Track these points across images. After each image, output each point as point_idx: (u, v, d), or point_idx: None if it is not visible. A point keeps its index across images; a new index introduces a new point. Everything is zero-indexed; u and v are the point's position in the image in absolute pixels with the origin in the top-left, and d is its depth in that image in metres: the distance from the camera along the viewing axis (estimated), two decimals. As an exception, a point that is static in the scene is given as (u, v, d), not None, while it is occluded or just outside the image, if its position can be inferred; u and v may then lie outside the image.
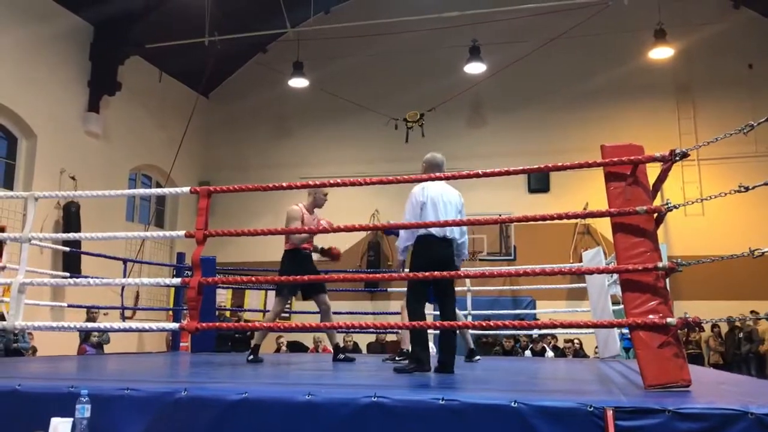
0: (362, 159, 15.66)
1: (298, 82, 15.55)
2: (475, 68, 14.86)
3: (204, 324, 4.34)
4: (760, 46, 14.63)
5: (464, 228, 4.94)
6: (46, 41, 12.38)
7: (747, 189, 3.33)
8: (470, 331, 7.09)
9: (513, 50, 14.47)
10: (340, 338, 12.75)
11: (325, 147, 16.38)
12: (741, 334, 13.01)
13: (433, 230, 4.68)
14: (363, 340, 13.07)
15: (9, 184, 12.01)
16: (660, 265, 3.33)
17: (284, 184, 4.39)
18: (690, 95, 14.95)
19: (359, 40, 14.84)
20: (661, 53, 14.08)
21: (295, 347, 13.61)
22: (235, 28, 13.88)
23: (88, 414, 2.92)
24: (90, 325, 7.31)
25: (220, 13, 13.53)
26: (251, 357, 6.01)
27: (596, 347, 9.76)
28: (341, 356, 6.52)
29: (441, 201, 4.88)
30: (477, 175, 3.99)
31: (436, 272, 4.31)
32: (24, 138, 12.26)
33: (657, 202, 3.61)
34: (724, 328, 13.35)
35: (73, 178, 12.52)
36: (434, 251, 4.75)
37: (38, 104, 12.18)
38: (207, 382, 3.70)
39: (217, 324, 4.90)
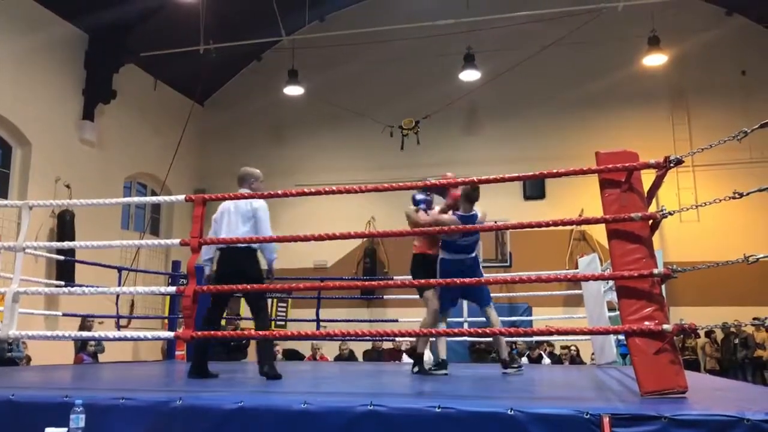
0: (358, 166, 15.67)
1: (293, 90, 15.55)
2: (469, 75, 14.89)
3: (199, 333, 4.32)
4: (752, 52, 14.71)
5: (266, 234, 5.04)
6: (41, 50, 12.36)
7: (741, 195, 3.35)
8: (467, 338, 7.04)
9: (507, 57, 14.51)
10: (335, 346, 12.77)
11: (321, 154, 16.38)
12: (737, 340, 13.02)
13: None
14: (359, 347, 13.03)
15: (3, 193, 11.96)
16: (655, 271, 3.33)
17: (279, 192, 4.39)
18: (684, 101, 15.01)
19: (354, 48, 14.87)
20: (655, 60, 14.14)
21: (292, 355, 13.57)
22: (230, 36, 13.89)
23: (82, 424, 2.91)
24: (84, 334, 7.26)
25: (215, 21, 13.54)
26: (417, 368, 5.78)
27: (593, 354, 9.76)
28: (432, 368, 5.81)
29: (229, 212, 5.12)
30: (472, 182, 3.99)
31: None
32: (19, 146, 12.22)
33: (652, 209, 3.62)
34: (721, 334, 13.37)
35: (67, 186, 12.49)
36: (228, 262, 5.07)
37: (33, 112, 12.15)
38: (202, 390, 3.68)
39: (213, 332, 4.88)
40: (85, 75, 13.46)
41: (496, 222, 10.21)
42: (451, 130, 15.67)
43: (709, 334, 13.27)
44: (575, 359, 12.16)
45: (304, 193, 4.30)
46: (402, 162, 14.81)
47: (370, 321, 12.21)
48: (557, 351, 12.45)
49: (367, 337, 10.87)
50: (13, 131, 12.02)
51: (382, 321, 11.66)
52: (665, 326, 3.23)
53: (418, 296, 6.08)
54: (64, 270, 11.31)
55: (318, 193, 4.25)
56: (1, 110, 11.61)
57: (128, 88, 14.30)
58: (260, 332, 4.97)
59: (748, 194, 3.35)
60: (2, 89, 11.53)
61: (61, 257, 9.47)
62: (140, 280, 13.69)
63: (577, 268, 10.16)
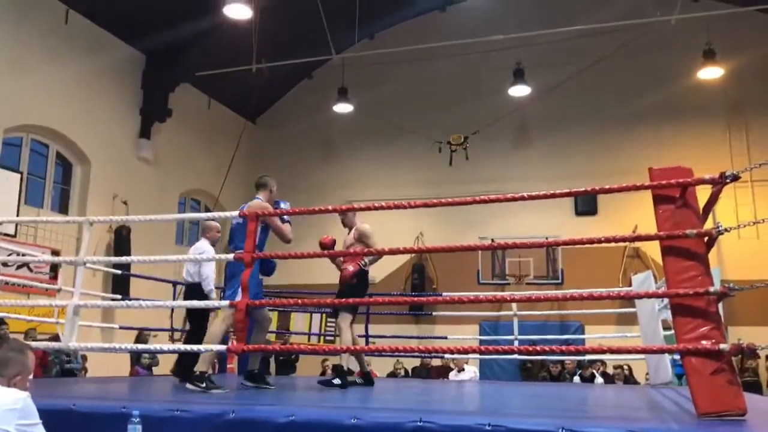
0: (406, 182, 15.70)
1: (343, 107, 15.74)
2: (519, 91, 14.82)
3: (251, 346, 4.39)
4: (814, 65, 14.26)
5: None
6: (101, 71, 12.80)
7: (802, 211, 3.25)
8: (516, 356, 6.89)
9: (558, 72, 14.39)
10: (384, 362, 12.75)
11: (370, 170, 16.49)
12: (800, 362, 12.51)
13: None
14: (408, 364, 12.99)
15: (64, 209, 12.39)
16: (711, 289, 3.25)
17: (330, 207, 4.45)
18: (742, 116, 14.61)
19: (403, 65, 14.97)
20: (711, 73, 13.82)
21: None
22: (281, 55, 14.14)
23: (139, 434, 2.99)
24: (140, 346, 7.42)
25: (267, 41, 13.79)
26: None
27: (647, 374, 9.52)
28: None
29: None
30: (522, 198, 3.97)
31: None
32: (78, 164, 12.65)
33: (708, 225, 3.54)
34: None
35: (125, 203, 12.85)
36: None
37: (93, 131, 12.57)
38: (254, 404, 3.73)
39: (264, 345, 4.94)
40: (142, 94, 13.89)
41: (547, 239, 10.11)
42: (500, 146, 15.59)
43: (770, 355, 12.79)
44: (629, 379, 11.86)
45: (352, 209, 4.36)
46: (450, 178, 14.80)
47: (419, 338, 12.17)
48: (609, 370, 12.16)
49: (416, 354, 10.81)
50: (74, 149, 12.45)
51: (431, 338, 11.62)
52: (722, 346, 3.14)
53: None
54: (120, 284, 11.62)
55: (367, 208, 4.30)
56: (63, 129, 12.04)
57: (183, 106, 14.68)
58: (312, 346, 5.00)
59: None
60: (64, 109, 11.97)
61: (118, 272, 9.73)
62: (193, 294, 13.90)
63: (630, 286, 9.95)
